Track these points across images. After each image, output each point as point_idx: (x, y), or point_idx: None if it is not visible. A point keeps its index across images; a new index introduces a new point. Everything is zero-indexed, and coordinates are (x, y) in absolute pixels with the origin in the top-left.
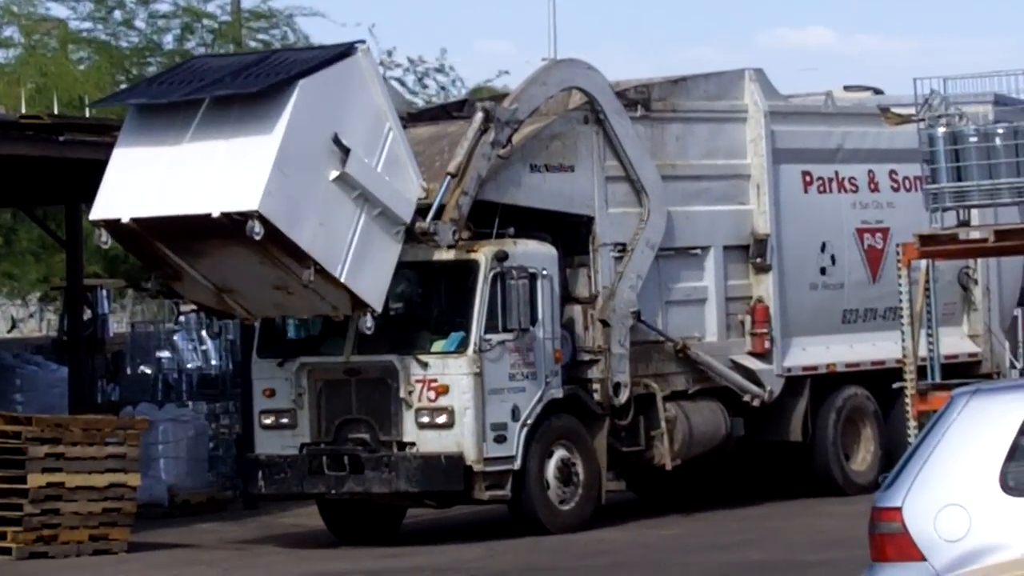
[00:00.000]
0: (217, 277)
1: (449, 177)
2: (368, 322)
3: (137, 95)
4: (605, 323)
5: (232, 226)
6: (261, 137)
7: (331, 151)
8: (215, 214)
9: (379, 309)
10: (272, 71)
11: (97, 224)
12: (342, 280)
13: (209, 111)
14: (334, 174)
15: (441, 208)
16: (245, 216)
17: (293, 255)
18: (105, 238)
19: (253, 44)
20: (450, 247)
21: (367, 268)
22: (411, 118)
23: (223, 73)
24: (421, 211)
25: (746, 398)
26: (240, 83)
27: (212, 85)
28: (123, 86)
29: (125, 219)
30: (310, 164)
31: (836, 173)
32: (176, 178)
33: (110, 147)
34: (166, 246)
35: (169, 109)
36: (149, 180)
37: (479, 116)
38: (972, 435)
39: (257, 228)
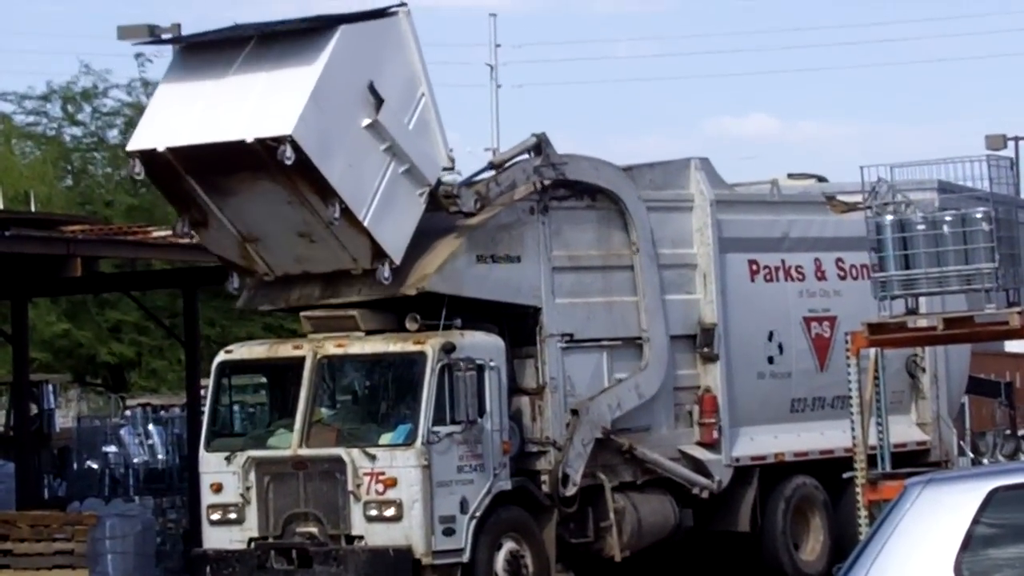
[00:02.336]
0: (242, 223)
1: (490, 165)
2: (385, 272)
3: (182, 39)
4: (575, 412)
5: (264, 153)
6: (301, 69)
7: (366, 99)
8: (249, 139)
9: (397, 262)
10: (315, 19)
11: (132, 155)
12: (365, 224)
13: (253, 50)
14: (366, 121)
15: (469, 185)
16: (278, 141)
17: (320, 191)
18: (139, 169)
19: None
20: (470, 214)
21: (390, 219)
22: None
23: (265, 25)
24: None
25: (695, 491)
26: (284, 25)
27: (256, 28)
28: (68, 181)
29: (160, 148)
30: (345, 106)
31: (783, 261)
32: (214, 109)
33: (58, 242)
34: (197, 181)
35: (214, 49)
36: (188, 113)
37: (533, 140)
38: (926, 525)
39: (289, 152)
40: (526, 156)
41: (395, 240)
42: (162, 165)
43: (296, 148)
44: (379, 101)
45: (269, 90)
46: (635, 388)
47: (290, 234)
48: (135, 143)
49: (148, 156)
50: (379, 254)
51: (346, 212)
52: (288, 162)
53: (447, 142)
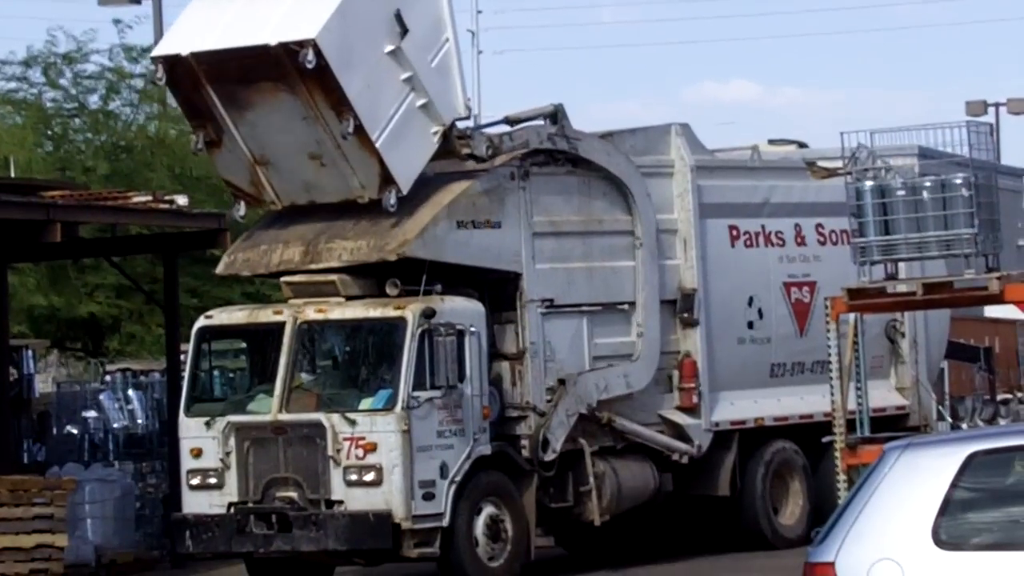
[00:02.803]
0: (255, 142)
1: (505, 119)
2: (392, 199)
3: None
4: (562, 382)
5: (286, 59)
6: None
7: (392, 25)
8: (272, 43)
9: (404, 191)
10: None
11: (156, 60)
12: (377, 145)
13: None
14: (389, 47)
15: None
16: (301, 45)
17: (336, 104)
18: (161, 75)
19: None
20: (480, 160)
21: (402, 148)
22: None
23: None
24: None
25: (675, 456)
26: None
27: None
28: (48, 147)
29: (184, 52)
30: (370, 27)
31: (763, 227)
32: (240, 18)
33: (37, 207)
34: (216, 91)
35: None
36: (215, 21)
37: (550, 108)
38: (904, 490)
39: (311, 57)
40: (541, 121)
41: (405, 169)
42: (184, 72)
43: (318, 53)
44: (404, 30)
45: (297, 3)
46: (624, 377)
47: (301, 156)
48: (160, 49)
49: (172, 62)
50: (387, 180)
51: (359, 130)
52: (309, 66)
53: (466, 92)
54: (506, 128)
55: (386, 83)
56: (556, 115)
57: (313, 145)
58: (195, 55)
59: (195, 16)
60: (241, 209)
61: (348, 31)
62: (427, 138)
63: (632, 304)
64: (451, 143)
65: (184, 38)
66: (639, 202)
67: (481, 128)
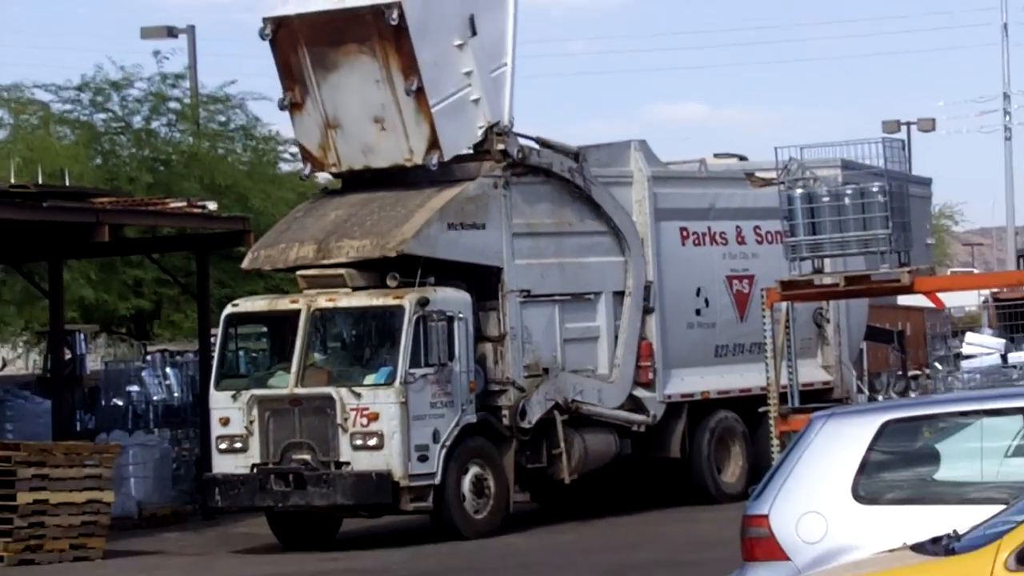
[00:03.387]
0: (332, 104)
1: (537, 140)
2: (434, 160)
3: None
4: (547, 370)
5: (374, 19)
6: None
7: (465, 26)
8: (365, 4)
9: (446, 157)
10: None
11: (266, 20)
12: (432, 110)
13: None
14: (459, 41)
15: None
16: (390, 7)
17: (406, 67)
18: (268, 31)
19: (212, 125)
20: (509, 159)
21: (452, 123)
22: (344, 184)
23: None
24: None
25: (633, 428)
26: None
27: None
28: (97, 160)
29: (291, 13)
30: (447, 18)
31: (709, 228)
32: None
33: (88, 211)
34: (310, 53)
35: None
36: None
37: (575, 149)
38: (828, 452)
39: (395, 15)
40: (564, 156)
41: (450, 139)
42: (287, 33)
43: (401, 15)
44: (473, 32)
45: None
46: (598, 392)
47: (366, 119)
48: (272, 12)
49: (279, 22)
50: (433, 145)
51: (420, 93)
52: (392, 23)
53: (512, 112)
54: (535, 145)
55: (450, 67)
56: (578, 156)
57: (379, 108)
58: (299, 16)
59: None
60: (307, 169)
61: (429, 9)
62: (473, 127)
63: (598, 294)
64: (490, 140)
65: (292, 5)
66: (632, 246)
67: (518, 135)
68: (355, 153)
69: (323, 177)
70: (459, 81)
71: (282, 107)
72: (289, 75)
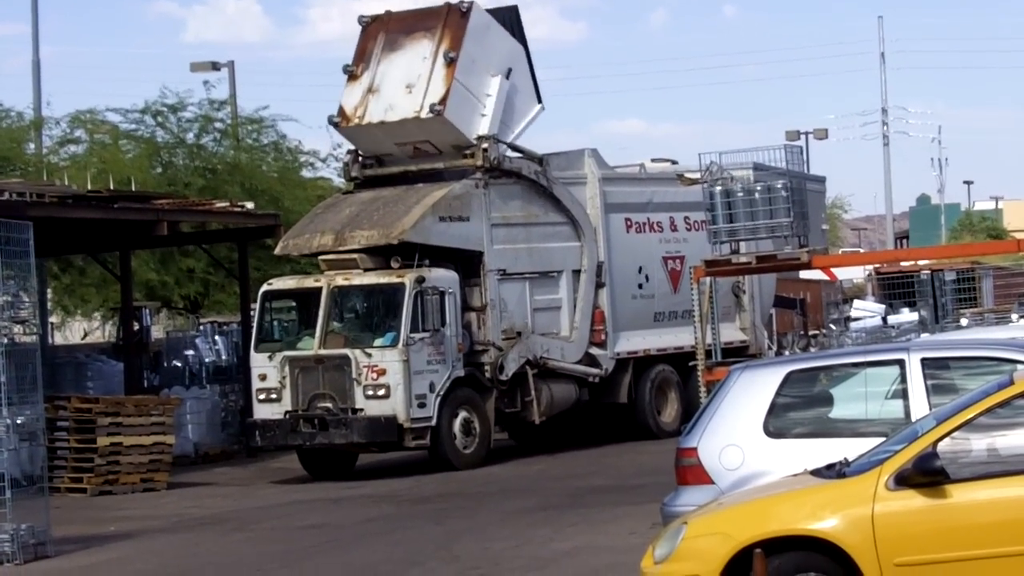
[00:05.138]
0: (380, 75)
1: (509, 145)
2: (438, 108)
3: None
4: (520, 333)
5: (447, 11)
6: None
7: (504, 68)
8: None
9: (446, 115)
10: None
11: (362, 17)
12: (455, 76)
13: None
14: (496, 73)
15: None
16: (464, 4)
17: (454, 44)
18: (365, 21)
19: (249, 141)
20: (486, 161)
21: (462, 104)
22: (356, 186)
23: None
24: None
25: (590, 378)
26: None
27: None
28: (158, 170)
29: (386, 12)
30: (494, 49)
31: (648, 219)
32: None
33: (150, 211)
34: (385, 39)
35: None
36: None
37: (540, 155)
38: (744, 397)
39: (466, 6)
40: (531, 161)
41: (454, 107)
42: (378, 25)
43: (470, 8)
44: (507, 75)
45: None
46: (561, 349)
47: (400, 85)
48: (368, 12)
49: (374, 17)
50: (441, 102)
51: (453, 63)
52: (462, 9)
53: (512, 142)
54: (510, 152)
55: (479, 78)
56: (543, 161)
57: (414, 78)
58: (392, 13)
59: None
60: (337, 118)
61: (487, 30)
62: (473, 126)
63: (560, 272)
64: (477, 144)
65: (369, 6)
66: (587, 236)
67: (499, 144)
68: (379, 111)
69: (339, 181)
70: (480, 92)
71: (345, 71)
72: (361, 55)
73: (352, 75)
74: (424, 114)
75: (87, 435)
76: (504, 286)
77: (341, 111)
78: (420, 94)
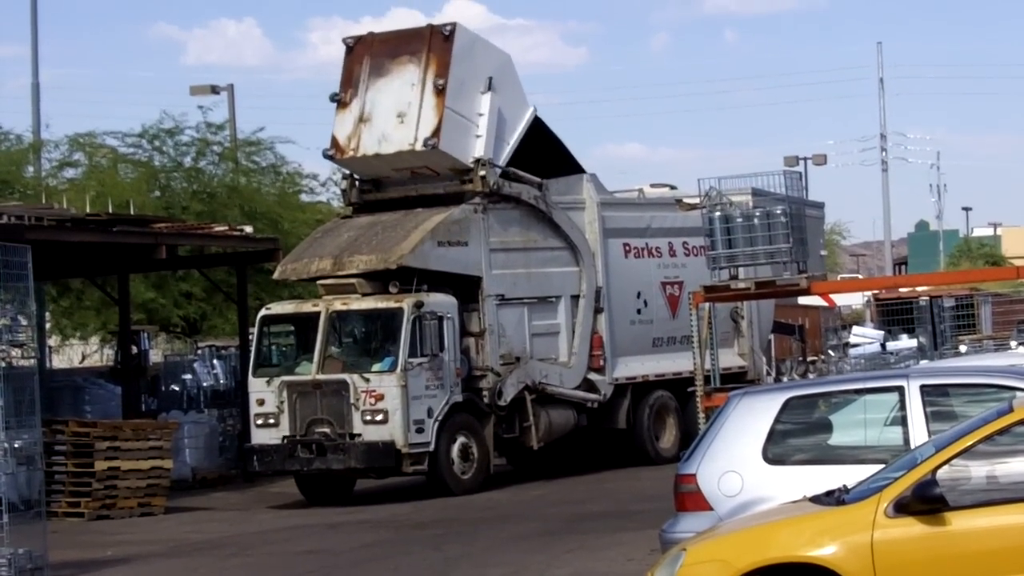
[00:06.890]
0: (370, 103)
1: (505, 173)
2: (431, 142)
3: None
4: (519, 359)
5: (430, 35)
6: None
7: (487, 83)
8: (424, 24)
9: (440, 147)
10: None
11: (346, 39)
12: (446, 105)
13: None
14: (483, 89)
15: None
16: (446, 27)
17: (440, 68)
18: (350, 42)
19: (248, 163)
20: (486, 186)
21: (455, 131)
22: (355, 210)
23: None
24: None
25: (588, 404)
26: None
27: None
28: (156, 193)
29: (366, 32)
30: (480, 67)
31: (646, 244)
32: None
33: (149, 234)
34: (370, 63)
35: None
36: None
37: (539, 180)
38: (743, 423)
39: (448, 29)
40: (530, 186)
41: (448, 139)
42: (362, 47)
43: (452, 32)
44: (491, 88)
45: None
46: (559, 375)
47: (392, 114)
48: (352, 33)
49: (358, 39)
50: (435, 134)
51: (441, 91)
52: (445, 33)
53: (505, 164)
54: (508, 178)
55: (469, 100)
56: (542, 186)
57: (405, 106)
58: (375, 34)
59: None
60: (331, 151)
61: (472, 48)
62: (469, 149)
63: (559, 297)
64: (475, 169)
65: (368, 29)
66: (586, 261)
67: (496, 168)
68: (372, 143)
69: (338, 204)
70: (471, 113)
71: (332, 100)
72: (348, 80)
73: (341, 102)
74: (419, 147)
75: (85, 459)
76: (503, 311)
77: (335, 142)
78: (412, 125)
